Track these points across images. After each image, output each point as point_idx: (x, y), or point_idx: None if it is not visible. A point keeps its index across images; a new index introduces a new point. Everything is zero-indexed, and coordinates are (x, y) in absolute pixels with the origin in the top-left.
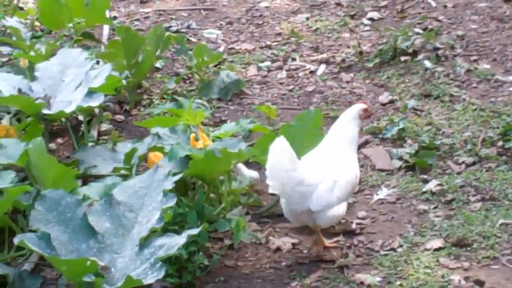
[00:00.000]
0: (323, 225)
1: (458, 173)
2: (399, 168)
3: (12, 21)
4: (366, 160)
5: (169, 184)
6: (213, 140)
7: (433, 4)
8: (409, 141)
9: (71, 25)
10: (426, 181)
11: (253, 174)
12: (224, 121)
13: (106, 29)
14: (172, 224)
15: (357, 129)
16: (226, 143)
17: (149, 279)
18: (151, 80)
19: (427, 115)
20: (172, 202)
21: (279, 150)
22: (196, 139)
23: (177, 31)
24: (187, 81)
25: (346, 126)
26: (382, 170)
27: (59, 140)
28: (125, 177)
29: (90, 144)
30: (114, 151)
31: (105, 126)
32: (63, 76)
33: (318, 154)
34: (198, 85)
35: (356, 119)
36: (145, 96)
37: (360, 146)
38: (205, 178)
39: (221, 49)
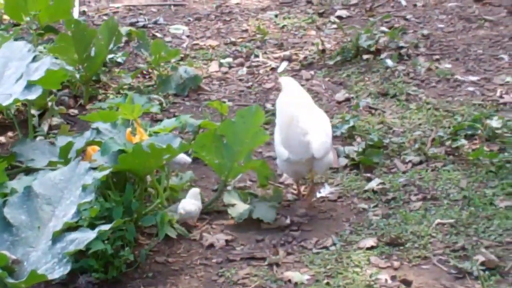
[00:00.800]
0: (321, 172)
1: (404, 172)
2: (345, 166)
3: None
4: None
5: (89, 179)
6: (151, 135)
7: (403, 3)
8: (359, 139)
9: (27, 18)
10: (369, 180)
11: (185, 159)
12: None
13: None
14: (100, 218)
15: None
16: (161, 139)
17: (56, 274)
18: (109, 75)
19: (380, 113)
20: (89, 198)
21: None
22: (133, 134)
23: (143, 26)
24: (147, 76)
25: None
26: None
27: (9, 134)
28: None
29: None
30: (53, 145)
31: (56, 120)
32: (5, 69)
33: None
34: (156, 80)
35: None
36: (101, 91)
37: None
38: (137, 173)
39: (185, 45)
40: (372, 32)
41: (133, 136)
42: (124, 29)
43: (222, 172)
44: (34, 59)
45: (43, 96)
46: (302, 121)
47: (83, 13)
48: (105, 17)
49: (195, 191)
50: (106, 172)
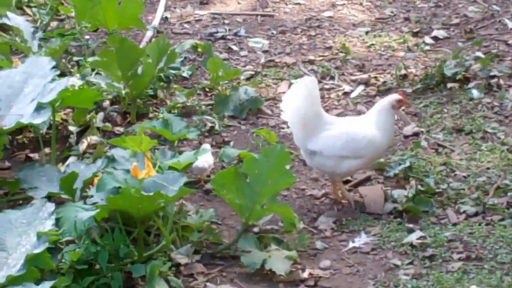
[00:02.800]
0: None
1: (454, 224)
2: (390, 213)
3: (17, 19)
4: (359, 201)
5: (49, 225)
6: (160, 170)
7: (510, 25)
8: (414, 182)
9: (79, 26)
10: (411, 231)
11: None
12: (227, 143)
13: (149, 32)
14: (84, 263)
15: (390, 118)
16: (166, 177)
17: None
18: (167, 91)
19: (447, 153)
20: (42, 248)
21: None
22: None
23: (222, 38)
24: (210, 94)
25: (378, 113)
26: (370, 214)
27: (47, 150)
28: (60, 203)
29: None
30: (62, 172)
31: (95, 139)
32: (24, 85)
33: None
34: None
35: (388, 109)
36: (153, 108)
37: (360, 183)
38: (133, 216)
39: (260, 61)
40: (463, 58)
41: (143, 171)
42: (188, 42)
43: (243, 213)
44: (53, 79)
45: (82, 113)
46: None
47: (165, 19)
48: (186, 25)
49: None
50: (93, 213)
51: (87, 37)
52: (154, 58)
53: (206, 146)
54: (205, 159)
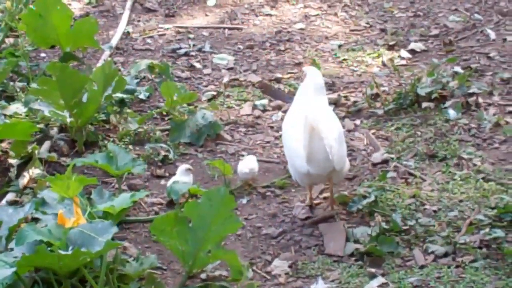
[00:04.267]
0: (339, 180)
1: (421, 267)
2: (351, 255)
3: None
4: (318, 240)
5: None
6: (92, 217)
7: (492, 36)
8: (379, 218)
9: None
10: (373, 276)
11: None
12: None
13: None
14: None
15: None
16: (94, 227)
17: None
18: (120, 116)
19: (419, 183)
20: None
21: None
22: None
23: (186, 54)
24: (166, 119)
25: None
26: (330, 255)
27: None
28: None
29: None
30: None
31: (38, 172)
32: None
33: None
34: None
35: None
36: (104, 134)
37: (321, 220)
38: (57, 272)
39: (224, 80)
40: (440, 74)
41: (71, 219)
42: (144, 62)
43: (186, 261)
44: None
45: (22, 144)
46: (325, 135)
47: (127, 34)
48: (149, 41)
49: (184, 167)
50: (12, 270)
51: (43, 54)
52: (100, 85)
53: (185, 166)
54: (248, 163)
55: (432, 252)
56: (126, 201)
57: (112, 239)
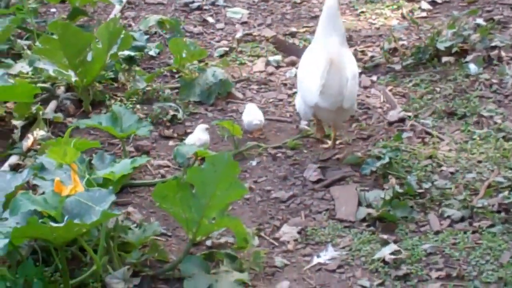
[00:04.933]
0: (342, 121)
1: (436, 233)
2: (362, 220)
3: None
4: (330, 204)
5: None
6: (90, 185)
7: None
8: (393, 180)
9: None
10: (385, 243)
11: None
12: (189, 134)
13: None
14: None
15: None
16: (92, 195)
17: None
18: (128, 74)
19: (436, 142)
20: None
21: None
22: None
23: (198, 8)
24: (176, 76)
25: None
26: (341, 221)
27: None
28: None
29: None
30: None
31: (42, 134)
32: None
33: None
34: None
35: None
36: (112, 93)
37: (332, 183)
38: (52, 243)
39: (237, 35)
40: (461, 27)
41: (69, 186)
42: (153, 18)
43: (189, 228)
44: None
45: (25, 105)
46: (344, 68)
47: None
48: None
49: (203, 126)
50: (6, 241)
51: (53, 9)
52: (104, 43)
53: (203, 126)
54: (253, 113)
55: (448, 217)
56: (127, 167)
57: (115, 204)
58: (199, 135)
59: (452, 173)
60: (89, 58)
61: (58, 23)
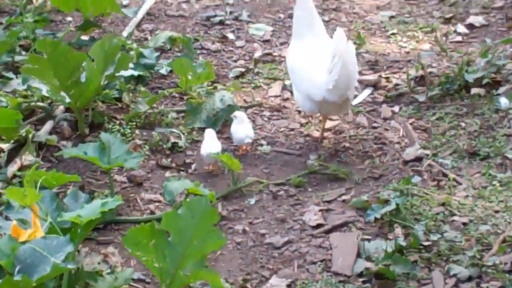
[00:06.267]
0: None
1: None
2: (360, 274)
3: None
4: (327, 254)
5: None
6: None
7: None
8: (399, 230)
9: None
10: None
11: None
12: (189, 165)
13: (141, 13)
14: None
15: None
16: (48, 244)
17: None
18: (133, 94)
19: (451, 187)
20: None
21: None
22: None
23: (220, 22)
24: (185, 98)
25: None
26: (336, 274)
27: None
28: None
29: None
30: None
31: (29, 159)
32: None
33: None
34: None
35: None
36: (114, 114)
37: (332, 230)
38: None
39: (256, 54)
40: (495, 55)
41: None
42: (164, 35)
43: (163, 280)
44: None
45: (13, 128)
46: (354, 63)
47: None
48: (184, 6)
49: (210, 132)
50: None
51: (69, 18)
52: (99, 63)
53: (210, 131)
54: (242, 129)
55: (454, 275)
56: (96, 211)
57: (97, 242)
58: (210, 144)
59: (464, 223)
60: (83, 79)
61: (46, 42)
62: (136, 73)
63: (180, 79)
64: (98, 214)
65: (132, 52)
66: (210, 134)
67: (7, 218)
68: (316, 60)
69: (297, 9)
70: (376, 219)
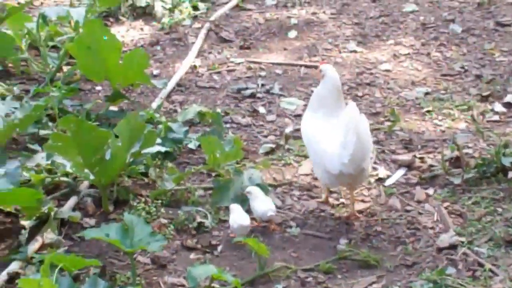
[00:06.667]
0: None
1: None
2: None
3: None
4: None
5: None
6: None
7: None
8: None
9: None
10: None
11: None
12: (214, 247)
13: (171, 84)
14: None
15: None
16: None
17: None
18: (159, 170)
19: (487, 278)
20: None
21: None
22: None
23: (251, 95)
24: (213, 175)
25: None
26: None
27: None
28: None
29: None
30: None
31: (51, 238)
32: None
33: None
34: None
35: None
36: (141, 190)
37: None
38: None
39: (287, 130)
40: None
41: None
42: (193, 109)
43: None
44: None
45: (36, 203)
46: (368, 136)
47: (193, 68)
48: (215, 77)
49: (235, 207)
50: None
51: (98, 87)
52: (124, 141)
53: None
54: (261, 203)
55: None
56: None
57: None
58: (240, 216)
59: None
60: (108, 156)
61: (70, 119)
62: (163, 149)
63: (208, 157)
64: None
65: (160, 126)
66: (237, 208)
67: None
68: (330, 134)
69: (323, 88)
70: None
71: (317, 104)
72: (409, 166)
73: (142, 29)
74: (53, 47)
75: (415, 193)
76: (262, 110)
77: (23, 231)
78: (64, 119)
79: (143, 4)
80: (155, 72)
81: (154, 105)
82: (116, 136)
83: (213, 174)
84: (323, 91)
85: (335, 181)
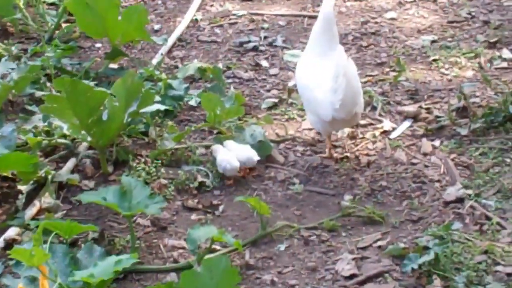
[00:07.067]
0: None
1: None
2: None
3: None
4: None
5: None
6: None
7: None
8: (438, 281)
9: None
10: None
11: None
12: (216, 207)
13: (171, 39)
14: None
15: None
16: None
17: None
18: (160, 129)
19: (495, 231)
20: None
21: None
22: None
23: (254, 48)
24: (215, 132)
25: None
26: None
27: None
28: None
29: None
30: None
31: (48, 202)
32: None
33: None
34: None
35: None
36: (142, 150)
37: (366, 281)
38: None
39: (290, 83)
40: None
41: None
42: (193, 66)
43: None
44: None
45: (32, 168)
46: (357, 79)
47: (195, 21)
48: (217, 31)
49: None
50: None
51: (98, 45)
52: (121, 100)
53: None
54: (227, 156)
55: None
56: (109, 270)
57: None
58: (230, 161)
59: (509, 274)
60: (104, 117)
61: (65, 80)
62: (163, 107)
63: (208, 114)
64: (111, 274)
65: (160, 83)
66: (221, 149)
67: (15, 276)
68: (321, 80)
69: (317, 23)
70: (413, 269)
71: (312, 42)
72: (415, 117)
73: None
74: (52, 4)
75: (421, 146)
76: (264, 63)
77: (20, 196)
78: (59, 80)
79: None
80: (156, 27)
81: (155, 61)
82: (113, 96)
83: (215, 131)
84: (316, 26)
85: (328, 128)
